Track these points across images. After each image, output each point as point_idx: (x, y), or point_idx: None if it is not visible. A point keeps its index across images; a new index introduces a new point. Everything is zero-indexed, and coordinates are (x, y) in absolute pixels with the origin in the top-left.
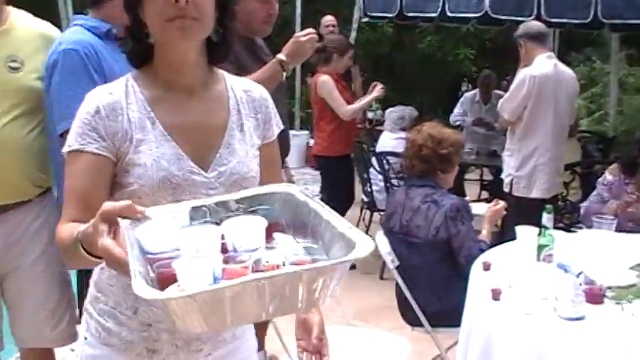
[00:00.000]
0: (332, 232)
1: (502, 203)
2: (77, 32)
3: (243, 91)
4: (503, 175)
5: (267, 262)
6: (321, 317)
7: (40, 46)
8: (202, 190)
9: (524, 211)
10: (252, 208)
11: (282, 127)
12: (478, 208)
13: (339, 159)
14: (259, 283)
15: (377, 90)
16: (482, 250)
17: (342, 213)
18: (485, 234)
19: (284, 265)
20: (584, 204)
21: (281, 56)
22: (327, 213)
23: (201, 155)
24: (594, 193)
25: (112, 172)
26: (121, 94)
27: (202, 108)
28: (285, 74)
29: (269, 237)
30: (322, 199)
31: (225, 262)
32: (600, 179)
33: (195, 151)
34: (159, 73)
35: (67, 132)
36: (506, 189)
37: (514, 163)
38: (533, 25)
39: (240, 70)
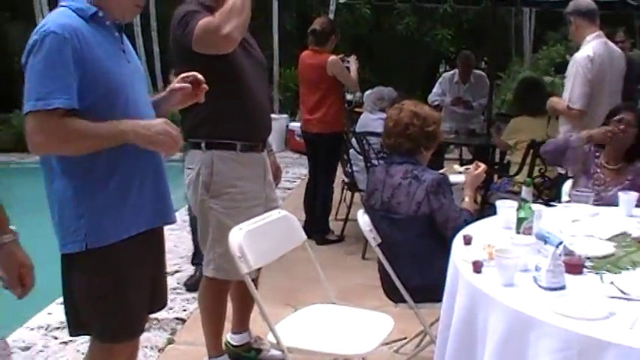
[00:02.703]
0: None
1: (482, 166)
2: (63, 14)
3: None
4: None
5: None
6: None
7: None
8: None
9: None
10: None
11: None
12: (456, 177)
13: (340, 135)
14: None
15: (353, 61)
16: (467, 221)
17: (332, 191)
18: (467, 201)
19: None
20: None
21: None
22: None
23: None
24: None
25: None
26: None
27: None
28: None
29: None
30: (315, 180)
31: None
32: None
33: None
34: None
35: (30, 113)
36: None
37: None
38: (582, 1)
39: None
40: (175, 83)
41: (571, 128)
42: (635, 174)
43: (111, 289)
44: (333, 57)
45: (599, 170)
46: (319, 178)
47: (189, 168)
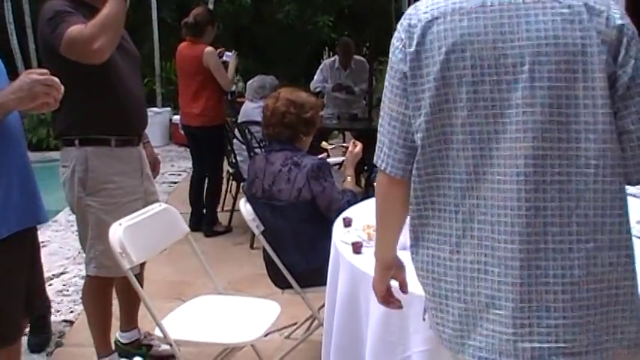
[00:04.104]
0: None
1: (359, 144)
2: None
3: None
4: None
5: None
6: None
7: None
8: None
9: None
10: None
11: None
12: (335, 159)
13: (221, 128)
14: None
15: (233, 58)
16: (350, 202)
17: (220, 183)
18: (349, 180)
19: None
20: None
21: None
22: None
23: None
24: None
25: None
26: None
27: None
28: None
29: None
30: (200, 172)
31: None
32: None
33: None
34: None
35: None
36: None
37: None
38: None
39: None
40: None
41: None
42: None
43: None
44: (209, 48)
45: None
46: (206, 171)
47: (64, 166)
